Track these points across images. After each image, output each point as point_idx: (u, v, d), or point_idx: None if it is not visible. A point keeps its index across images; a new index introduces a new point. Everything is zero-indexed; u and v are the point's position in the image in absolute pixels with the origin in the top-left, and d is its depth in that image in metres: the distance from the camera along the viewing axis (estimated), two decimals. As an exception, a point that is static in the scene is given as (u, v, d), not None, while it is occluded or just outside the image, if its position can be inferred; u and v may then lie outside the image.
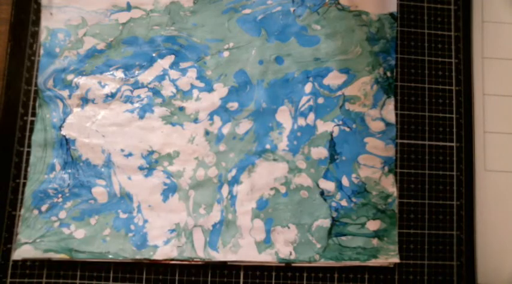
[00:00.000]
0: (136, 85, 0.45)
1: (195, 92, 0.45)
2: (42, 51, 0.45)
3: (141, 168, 0.44)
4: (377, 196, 0.45)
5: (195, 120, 0.45)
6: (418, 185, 0.46)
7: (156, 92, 0.45)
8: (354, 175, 0.45)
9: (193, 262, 0.43)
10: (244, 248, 0.43)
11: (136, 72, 0.45)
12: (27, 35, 0.46)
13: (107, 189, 0.43)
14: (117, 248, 0.42)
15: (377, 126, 0.46)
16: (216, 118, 0.45)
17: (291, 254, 0.43)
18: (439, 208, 0.46)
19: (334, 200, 0.45)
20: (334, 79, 0.46)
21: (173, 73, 0.45)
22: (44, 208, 0.43)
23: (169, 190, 0.44)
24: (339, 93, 0.46)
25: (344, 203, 0.45)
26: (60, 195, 0.43)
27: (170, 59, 0.46)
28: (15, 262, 0.42)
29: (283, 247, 0.43)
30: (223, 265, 0.44)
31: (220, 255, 0.43)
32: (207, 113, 0.45)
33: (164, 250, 0.43)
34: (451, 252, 0.46)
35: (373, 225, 0.44)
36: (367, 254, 0.44)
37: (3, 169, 0.44)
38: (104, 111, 0.45)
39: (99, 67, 0.45)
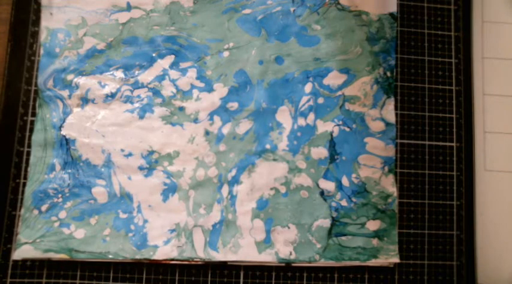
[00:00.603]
0: (136, 85, 0.45)
1: (195, 92, 0.45)
2: (42, 51, 0.45)
3: (141, 168, 0.44)
4: (377, 196, 0.45)
5: (195, 120, 0.45)
6: (418, 185, 0.46)
7: (156, 92, 0.45)
8: (354, 175, 0.45)
9: (193, 262, 0.43)
10: (244, 248, 0.43)
11: (136, 72, 0.45)
12: (27, 35, 0.46)
13: (107, 189, 0.43)
14: (117, 248, 0.42)
15: (377, 126, 0.46)
16: (216, 118, 0.45)
17: (291, 254, 0.43)
18: (439, 208, 0.46)
19: (334, 200, 0.45)
20: (334, 79, 0.46)
21: (173, 74, 0.45)
22: (44, 208, 0.43)
23: (169, 190, 0.44)
24: (339, 93, 0.46)
25: (344, 203, 0.44)
26: (60, 195, 0.43)
27: (170, 59, 0.46)
28: (15, 262, 0.42)
29: (283, 247, 0.43)
30: (223, 265, 0.44)
31: (220, 255, 0.43)
32: (207, 113, 0.45)
33: (164, 250, 0.43)
34: (451, 252, 0.46)
35: (373, 225, 0.44)
36: (367, 254, 0.44)
37: (3, 169, 0.44)
38: (104, 111, 0.45)
39: (99, 67, 0.45)
